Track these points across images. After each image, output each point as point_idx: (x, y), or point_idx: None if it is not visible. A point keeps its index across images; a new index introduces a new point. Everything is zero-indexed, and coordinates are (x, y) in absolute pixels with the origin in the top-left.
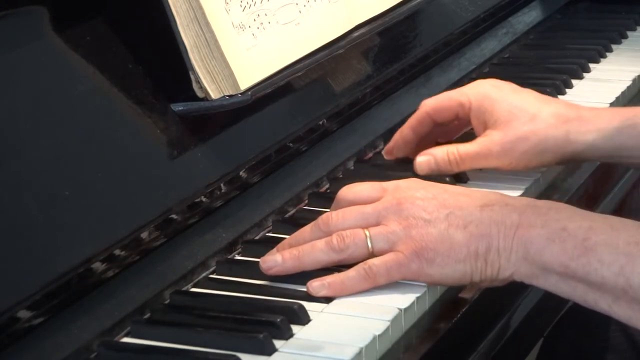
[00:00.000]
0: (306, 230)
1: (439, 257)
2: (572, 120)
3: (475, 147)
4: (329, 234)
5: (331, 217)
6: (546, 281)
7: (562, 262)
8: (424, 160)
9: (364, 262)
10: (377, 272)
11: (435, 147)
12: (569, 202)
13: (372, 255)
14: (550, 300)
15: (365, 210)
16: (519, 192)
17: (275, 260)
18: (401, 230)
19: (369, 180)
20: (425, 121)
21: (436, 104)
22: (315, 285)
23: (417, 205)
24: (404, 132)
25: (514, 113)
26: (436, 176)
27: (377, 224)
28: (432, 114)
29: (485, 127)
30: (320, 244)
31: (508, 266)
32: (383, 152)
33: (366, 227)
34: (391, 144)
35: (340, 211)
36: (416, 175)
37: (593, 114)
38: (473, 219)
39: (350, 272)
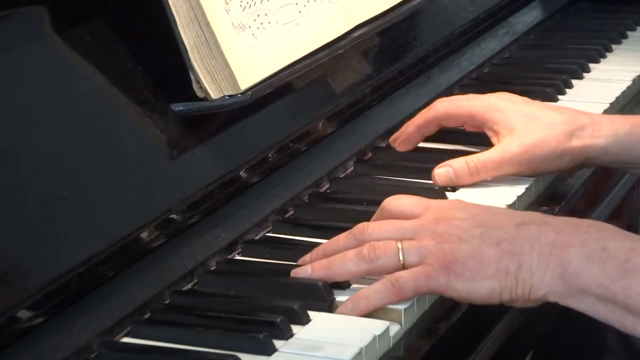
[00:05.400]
0: (341, 237)
1: (467, 271)
2: (586, 126)
3: (496, 153)
4: (362, 243)
5: (367, 227)
6: (582, 302)
7: (601, 283)
8: (442, 172)
9: (391, 274)
10: (403, 284)
11: (453, 159)
12: (569, 202)
13: (402, 268)
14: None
15: (402, 225)
16: (519, 193)
17: (305, 271)
18: (434, 245)
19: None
20: (432, 124)
21: (446, 110)
22: (347, 307)
23: (453, 224)
24: (409, 129)
25: (529, 121)
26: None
27: (412, 239)
28: (441, 119)
29: (501, 136)
30: (351, 254)
31: (541, 285)
32: (390, 140)
33: (401, 240)
34: (397, 134)
35: (377, 222)
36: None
37: (606, 119)
38: (507, 236)
39: (376, 286)
